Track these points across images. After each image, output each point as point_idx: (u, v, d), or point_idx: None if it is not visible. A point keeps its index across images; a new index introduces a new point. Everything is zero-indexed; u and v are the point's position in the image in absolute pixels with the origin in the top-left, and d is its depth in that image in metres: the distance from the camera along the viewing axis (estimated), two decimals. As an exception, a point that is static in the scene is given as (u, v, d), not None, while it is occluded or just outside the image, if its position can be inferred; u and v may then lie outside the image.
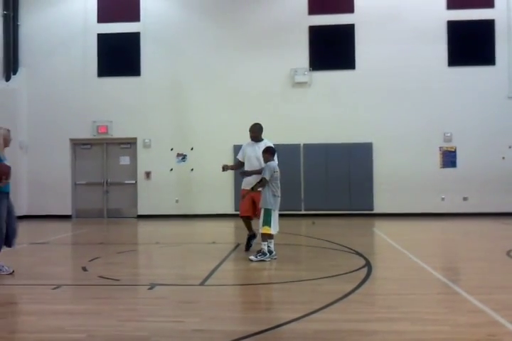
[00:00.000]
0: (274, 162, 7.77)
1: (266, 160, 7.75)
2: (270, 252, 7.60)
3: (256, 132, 8.32)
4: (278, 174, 7.65)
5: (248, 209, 8.30)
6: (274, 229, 7.56)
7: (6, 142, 6.82)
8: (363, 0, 16.09)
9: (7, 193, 6.66)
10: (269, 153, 7.77)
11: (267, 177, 7.53)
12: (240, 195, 8.65)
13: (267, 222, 7.49)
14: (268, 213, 7.51)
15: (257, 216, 8.00)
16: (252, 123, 8.45)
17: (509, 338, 4.01)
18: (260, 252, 7.61)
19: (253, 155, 8.20)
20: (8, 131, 6.95)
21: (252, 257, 7.59)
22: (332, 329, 4.22)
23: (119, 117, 16.45)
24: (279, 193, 7.64)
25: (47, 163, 16.48)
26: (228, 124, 15.84)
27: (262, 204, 7.61)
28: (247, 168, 8.27)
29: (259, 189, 7.82)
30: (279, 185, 7.65)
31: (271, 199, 7.54)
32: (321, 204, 15.67)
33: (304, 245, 9.75)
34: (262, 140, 8.34)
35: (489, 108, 15.59)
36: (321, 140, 15.75)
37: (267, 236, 7.57)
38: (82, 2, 16.75)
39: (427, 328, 4.24)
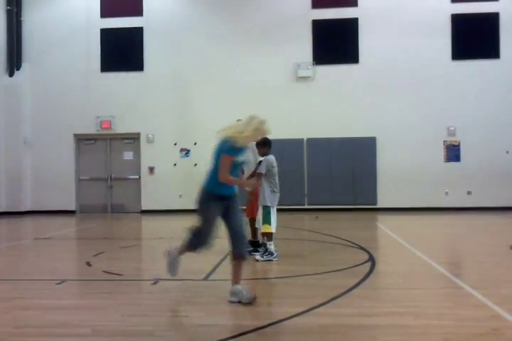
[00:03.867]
0: (272, 156, 7.27)
1: (262, 154, 7.27)
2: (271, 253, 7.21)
3: None
4: (276, 169, 7.24)
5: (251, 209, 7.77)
6: (273, 227, 7.19)
7: (257, 135, 5.19)
8: (367, -6, 16.04)
9: (221, 195, 5.05)
10: (262, 145, 7.14)
11: (263, 172, 7.11)
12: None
13: (267, 220, 7.16)
14: (267, 211, 7.17)
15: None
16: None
17: (513, 332, 4.01)
18: (267, 252, 7.26)
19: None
20: (263, 122, 5.20)
21: (258, 257, 7.27)
22: (336, 323, 4.23)
23: (123, 112, 16.43)
24: (278, 189, 7.26)
25: (51, 158, 16.50)
26: (231, 119, 15.49)
27: (260, 202, 7.26)
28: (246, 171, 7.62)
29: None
30: (277, 180, 7.25)
31: (270, 197, 7.16)
32: (325, 198, 15.64)
33: (308, 240, 9.75)
34: None
35: (493, 102, 15.52)
36: (325, 134, 15.71)
37: (271, 236, 7.23)
38: (85, -3, 16.73)
39: (430, 322, 4.24)
